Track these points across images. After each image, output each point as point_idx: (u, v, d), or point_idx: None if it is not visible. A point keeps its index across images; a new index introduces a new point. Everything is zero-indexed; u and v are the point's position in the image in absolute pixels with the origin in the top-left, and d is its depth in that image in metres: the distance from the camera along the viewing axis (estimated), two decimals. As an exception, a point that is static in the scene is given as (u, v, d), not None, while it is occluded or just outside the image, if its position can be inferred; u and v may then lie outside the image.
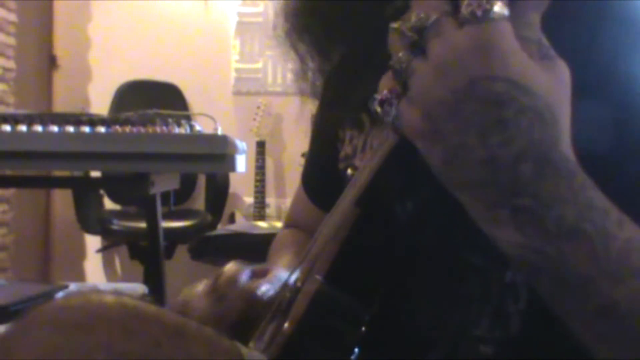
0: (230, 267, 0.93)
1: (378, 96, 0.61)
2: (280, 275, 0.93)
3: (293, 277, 0.85)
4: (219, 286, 0.90)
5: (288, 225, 1.26)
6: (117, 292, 0.70)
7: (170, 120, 2.11)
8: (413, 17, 0.58)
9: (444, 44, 0.56)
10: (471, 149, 0.56)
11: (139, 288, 2.93)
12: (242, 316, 0.88)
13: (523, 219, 0.56)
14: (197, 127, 2.13)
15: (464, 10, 0.56)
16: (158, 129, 2.08)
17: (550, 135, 0.56)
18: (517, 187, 0.55)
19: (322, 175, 1.07)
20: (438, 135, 0.57)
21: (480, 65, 0.55)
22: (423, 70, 0.57)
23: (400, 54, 0.59)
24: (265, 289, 0.89)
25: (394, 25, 0.59)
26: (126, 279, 4.68)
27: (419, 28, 0.58)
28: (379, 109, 0.61)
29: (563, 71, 0.58)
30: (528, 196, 0.55)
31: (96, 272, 4.76)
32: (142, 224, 2.92)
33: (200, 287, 0.94)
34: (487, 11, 0.55)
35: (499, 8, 0.55)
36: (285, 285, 0.87)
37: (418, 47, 0.58)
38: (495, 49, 0.55)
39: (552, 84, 0.57)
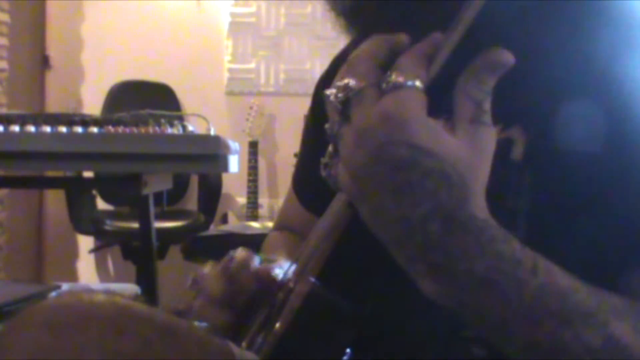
0: (240, 251, 0.93)
1: (323, 160, 0.68)
2: (287, 263, 0.94)
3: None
4: (230, 268, 0.90)
5: (278, 228, 1.26)
6: (108, 292, 0.70)
7: (162, 120, 2.11)
8: (342, 86, 0.63)
9: (362, 112, 0.60)
10: (388, 210, 0.59)
11: (132, 288, 2.93)
12: (253, 297, 0.88)
13: (437, 272, 0.60)
14: (190, 128, 2.13)
15: (384, 83, 0.60)
16: (151, 130, 2.08)
17: (457, 196, 0.58)
18: (429, 244, 0.59)
19: (313, 178, 1.07)
20: (363, 195, 0.61)
21: (385, 131, 0.58)
22: (347, 136, 0.61)
23: (332, 120, 0.64)
24: (278, 271, 0.90)
25: (326, 92, 0.64)
26: (119, 279, 4.67)
27: (344, 98, 0.62)
28: (323, 173, 0.68)
29: (486, 138, 0.61)
30: (439, 252, 0.59)
31: (89, 273, 4.75)
32: (135, 224, 2.91)
33: (212, 266, 0.94)
34: (394, 83, 0.59)
35: (417, 83, 0.60)
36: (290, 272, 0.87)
37: (345, 114, 0.62)
38: (400, 116, 0.58)
39: (464, 148, 0.59)
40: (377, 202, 0.60)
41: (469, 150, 0.59)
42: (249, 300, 0.88)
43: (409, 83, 0.59)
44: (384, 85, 0.60)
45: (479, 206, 0.60)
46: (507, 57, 0.60)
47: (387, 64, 0.63)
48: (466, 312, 0.62)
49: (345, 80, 0.63)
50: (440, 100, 0.60)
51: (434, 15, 0.67)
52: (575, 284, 0.61)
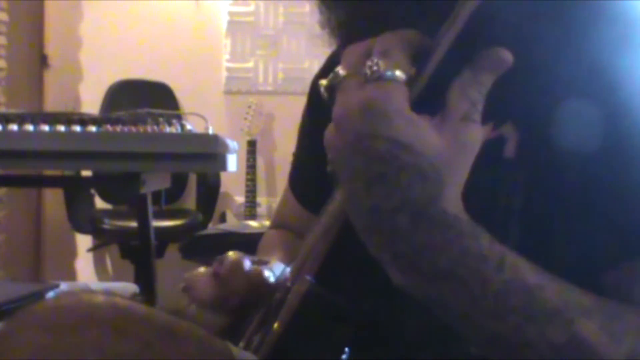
0: (232, 253, 0.93)
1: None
2: (279, 265, 0.94)
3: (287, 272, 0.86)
4: (222, 270, 0.91)
5: (275, 226, 1.26)
6: (108, 293, 0.70)
7: (161, 119, 2.11)
8: (331, 75, 0.65)
9: (343, 99, 0.62)
10: (360, 197, 0.61)
11: (130, 287, 2.93)
12: (244, 300, 0.89)
13: (402, 263, 0.61)
14: (188, 127, 2.13)
15: (366, 71, 0.61)
16: (149, 129, 2.08)
17: (429, 192, 0.59)
18: (395, 235, 0.60)
19: (310, 177, 1.07)
20: (340, 179, 0.63)
21: (365, 124, 0.59)
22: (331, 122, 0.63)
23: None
24: (268, 274, 0.90)
25: (321, 82, 0.66)
26: (117, 278, 4.67)
27: (329, 85, 0.64)
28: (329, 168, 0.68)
29: (473, 135, 0.61)
30: (404, 244, 0.60)
31: (87, 272, 4.75)
32: (133, 223, 2.92)
33: (203, 271, 0.94)
34: (376, 72, 0.60)
35: (399, 73, 0.60)
36: (284, 274, 0.88)
37: (331, 101, 0.64)
38: (381, 109, 0.59)
39: (446, 145, 0.60)
40: (351, 189, 0.61)
41: (451, 147, 0.60)
42: (241, 303, 0.89)
43: (390, 73, 0.60)
44: (367, 73, 0.60)
45: (453, 202, 0.60)
46: (507, 57, 0.61)
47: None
48: (431, 303, 0.63)
49: (336, 70, 0.64)
50: (434, 98, 0.60)
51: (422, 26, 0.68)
52: (543, 282, 0.62)
